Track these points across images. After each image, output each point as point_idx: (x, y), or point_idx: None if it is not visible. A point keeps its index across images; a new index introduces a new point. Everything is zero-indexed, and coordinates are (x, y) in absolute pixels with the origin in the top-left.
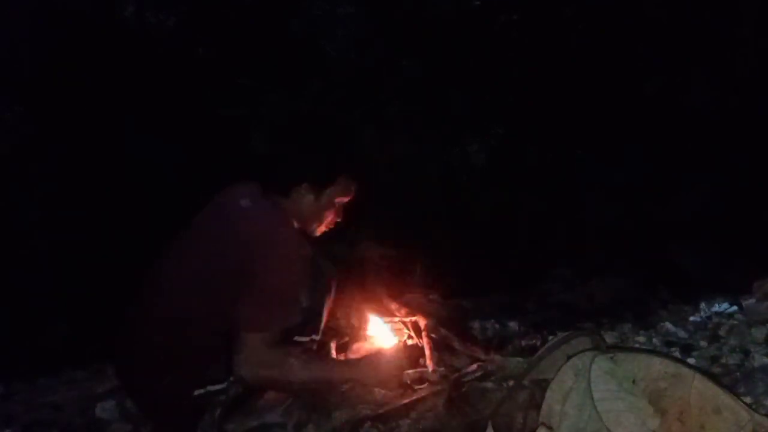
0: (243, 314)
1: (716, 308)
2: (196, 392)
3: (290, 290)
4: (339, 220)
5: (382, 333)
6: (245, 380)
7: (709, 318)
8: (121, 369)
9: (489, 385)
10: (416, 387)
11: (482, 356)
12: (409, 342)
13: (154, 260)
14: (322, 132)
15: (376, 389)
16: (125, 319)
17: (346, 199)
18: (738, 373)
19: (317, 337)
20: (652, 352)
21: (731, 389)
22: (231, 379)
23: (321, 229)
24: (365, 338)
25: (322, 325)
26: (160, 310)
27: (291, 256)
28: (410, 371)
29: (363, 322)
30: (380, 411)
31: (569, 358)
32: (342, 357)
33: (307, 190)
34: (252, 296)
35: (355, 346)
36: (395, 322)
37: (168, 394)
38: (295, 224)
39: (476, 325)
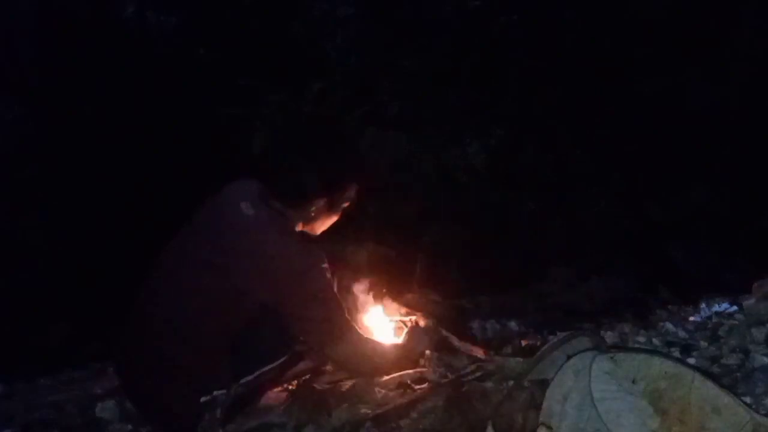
0: (323, 333)
1: (716, 308)
2: (203, 398)
3: (333, 290)
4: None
5: (381, 329)
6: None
7: (709, 318)
8: (124, 374)
9: (489, 385)
10: (416, 387)
11: (482, 356)
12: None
13: (154, 263)
14: (329, 137)
15: (377, 389)
16: (127, 324)
17: (349, 202)
18: (738, 373)
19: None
20: (652, 352)
21: (731, 389)
22: (241, 381)
23: (322, 230)
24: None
25: None
26: (163, 318)
27: (317, 263)
28: (410, 371)
29: (361, 319)
30: (380, 411)
31: (569, 358)
32: None
33: (324, 204)
34: (317, 316)
35: None
36: (395, 320)
37: (173, 399)
38: (301, 227)
39: (476, 325)
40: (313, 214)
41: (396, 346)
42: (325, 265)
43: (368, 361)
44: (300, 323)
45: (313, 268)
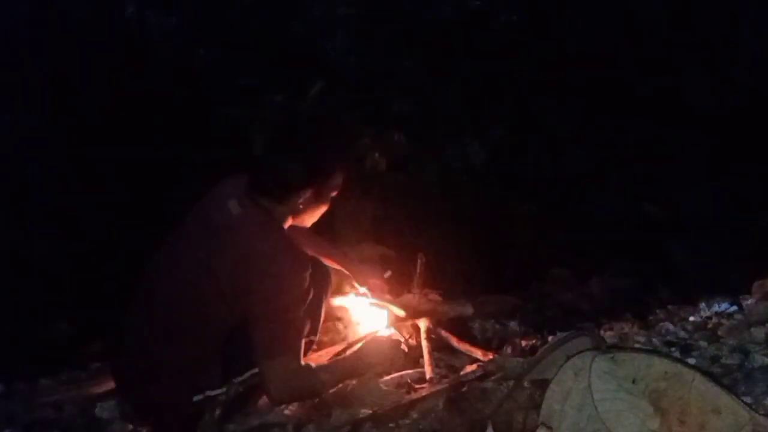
0: (260, 343)
1: (716, 308)
2: (195, 398)
3: (299, 307)
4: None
5: (379, 329)
6: (281, 404)
7: (709, 318)
8: (118, 375)
9: (489, 385)
10: (416, 387)
11: (482, 356)
12: (411, 342)
13: (147, 264)
14: (320, 131)
15: (376, 389)
16: (121, 326)
17: (337, 191)
18: (738, 373)
19: (316, 338)
20: (652, 352)
21: (731, 389)
22: (233, 381)
23: (313, 221)
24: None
25: (321, 324)
26: (154, 319)
27: (294, 273)
28: (410, 371)
29: (359, 321)
30: (380, 411)
31: (569, 358)
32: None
33: (311, 194)
34: (264, 323)
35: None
36: (394, 321)
37: (166, 399)
38: (291, 221)
39: (476, 325)
40: (301, 207)
41: (348, 365)
42: (306, 275)
43: (292, 392)
44: (253, 323)
45: (292, 275)
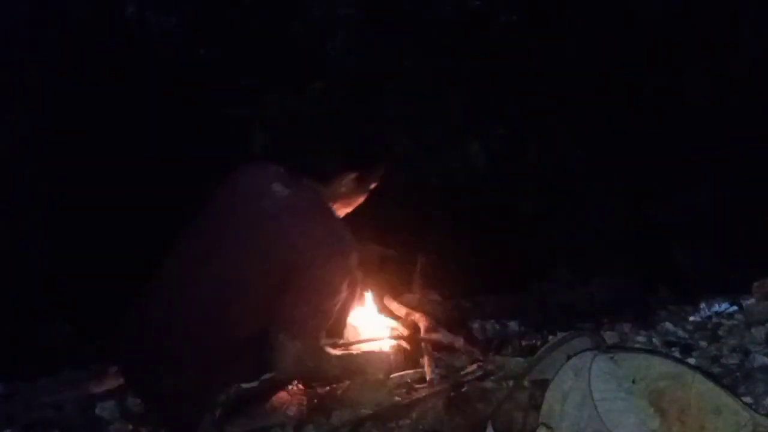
0: (288, 318)
1: (716, 308)
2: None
3: (337, 294)
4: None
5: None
6: (288, 381)
7: (709, 318)
8: (130, 366)
9: (489, 385)
10: (416, 387)
11: (482, 356)
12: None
13: (167, 257)
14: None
15: (377, 389)
16: (135, 317)
17: (377, 183)
18: (738, 373)
19: (341, 341)
20: (652, 352)
21: (731, 389)
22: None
23: (347, 212)
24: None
25: (345, 329)
26: (187, 309)
27: (341, 256)
28: (410, 371)
29: (361, 324)
30: (380, 411)
31: (569, 358)
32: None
33: (353, 179)
34: (301, 302)
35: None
36: (393, 327)
37: (186, 392)
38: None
39: (476, 325)
40: (343, 191)
41: (355, 363)
42: (351, 261)
43: (302, 373)
44: (287, 303)
45: (339, 258)
